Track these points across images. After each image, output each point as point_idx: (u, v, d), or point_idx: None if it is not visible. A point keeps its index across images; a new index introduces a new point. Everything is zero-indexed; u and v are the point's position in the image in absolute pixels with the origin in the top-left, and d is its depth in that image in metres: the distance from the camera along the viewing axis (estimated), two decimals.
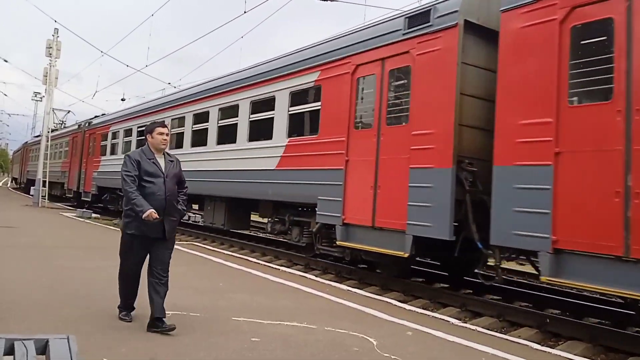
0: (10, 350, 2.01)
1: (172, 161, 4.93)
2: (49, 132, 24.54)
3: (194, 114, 13.94)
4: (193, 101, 14.11)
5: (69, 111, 37.11)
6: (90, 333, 4.33)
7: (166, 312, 5.23)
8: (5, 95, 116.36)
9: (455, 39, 7.01)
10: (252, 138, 11.31)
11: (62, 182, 27.31)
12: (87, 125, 24.47)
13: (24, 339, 2.08)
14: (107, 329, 4.56)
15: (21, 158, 47.14)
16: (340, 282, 8.59)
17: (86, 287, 6.36)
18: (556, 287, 8.96)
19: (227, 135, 12.35)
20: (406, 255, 7.31)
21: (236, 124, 11.86)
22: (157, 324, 4.60)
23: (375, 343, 4.69)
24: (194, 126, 13.94)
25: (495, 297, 8.09)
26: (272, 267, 9.28)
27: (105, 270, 7.62)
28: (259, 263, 9.76)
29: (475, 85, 7.21)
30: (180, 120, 14.76)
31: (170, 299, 5.84)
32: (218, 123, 12.64)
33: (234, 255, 10.71)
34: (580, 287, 6.24)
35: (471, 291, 8.45)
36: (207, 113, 13.22)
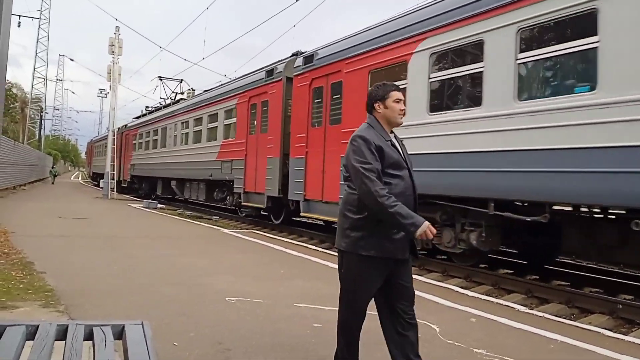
0: (89, 336, 2.12)
1: (402, 143, 3.38)
2: (114, 129, 25.69)
3: None
4: None
5: (181, 80, 29.25)
6: (160, 318, 4.52)
7: (230, 298, 5.40)
8: (73, 92, 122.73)
9: None
10: None
11: (221, 179, 16.56)
12: (306, 63, 11.71)
13: (102, 325, 2.19)
14: (175, 315, 4.74)
15: (119, 146, 30.03)
16: None
17: (154, 274, 6.63)
18: (628, 272, 8.55)
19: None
20: None
21: None
22: None
23: (437, 330, 4.63)
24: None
25: (563, 282, 7.80)
26: (331, 254, 9.32)
27: (172, 259, 7.93)
28: (317, 250, 9.84)
29: None
30: None
31: (233, 286, 6.04)
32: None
33: (293, 243, 10.85)
34: None
35: (537, 277, 8.19)
36: None
